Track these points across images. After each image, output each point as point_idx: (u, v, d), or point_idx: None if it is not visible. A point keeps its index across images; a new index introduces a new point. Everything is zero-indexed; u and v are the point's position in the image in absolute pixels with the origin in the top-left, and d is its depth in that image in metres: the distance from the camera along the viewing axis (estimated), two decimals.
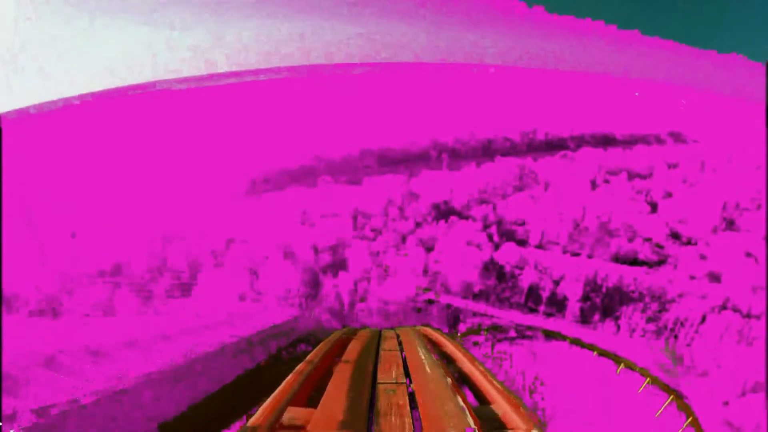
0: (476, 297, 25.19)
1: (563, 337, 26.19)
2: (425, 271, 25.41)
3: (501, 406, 3.56)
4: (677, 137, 45.92)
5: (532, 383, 26.14)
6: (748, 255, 33.11)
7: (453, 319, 25.02)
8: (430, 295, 24.95)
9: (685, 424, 24.30)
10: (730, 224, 39.34)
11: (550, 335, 26.12)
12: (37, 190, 32.41)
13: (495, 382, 4.00)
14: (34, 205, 30.88)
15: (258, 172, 28.92)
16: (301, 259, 25.51)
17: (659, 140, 41.43)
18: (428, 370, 5.04)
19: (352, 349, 5.32)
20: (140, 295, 28.66)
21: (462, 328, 24.75)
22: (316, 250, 25.53)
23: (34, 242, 29.61)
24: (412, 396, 4.70)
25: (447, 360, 5.20)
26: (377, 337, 6.31)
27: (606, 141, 37.32)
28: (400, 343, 5.95)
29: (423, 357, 5.50)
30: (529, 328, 25.71)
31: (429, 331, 7.00)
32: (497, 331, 25.07)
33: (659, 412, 25.20)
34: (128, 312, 27.94)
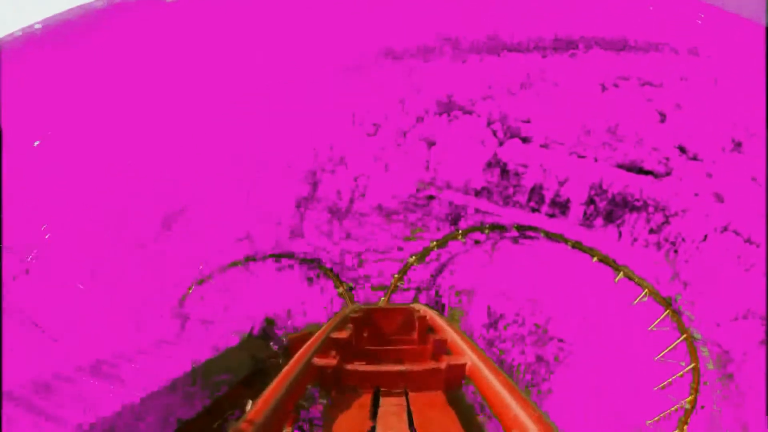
0: (478, 194, 24.51)
1: (564, 240, 25.79)
2: (426, 167, 24.56)
3: (511, 408, 2.59)
4: (692, 50, 43.56)
5: (532, 286, 26.05)
6: (753, 180, 32.35)
7: (454, 216, 24.53)
8: (432, 192, 24.32)
9: (678, 341, 24.45)
10: (738, 146, 38.18)
11: (551, 237, 25.72)
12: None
13: (503, 375, 2.91)
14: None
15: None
16: (299, 156, 24.59)
17: (673, 51, 39.40)
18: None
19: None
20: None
21: (463, 225, 24.35)
22: (313, 147, 24.55)
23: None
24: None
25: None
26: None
27: (618, 45, 35.34)
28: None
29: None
30: (531, 228, 25.23)
31: (429, 313, 5.64)
32: (499, 229, 24.60)
33: (653, 325, 25.31)
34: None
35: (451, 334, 4.20)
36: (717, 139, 36.12)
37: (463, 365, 3.29)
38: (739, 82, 45.99)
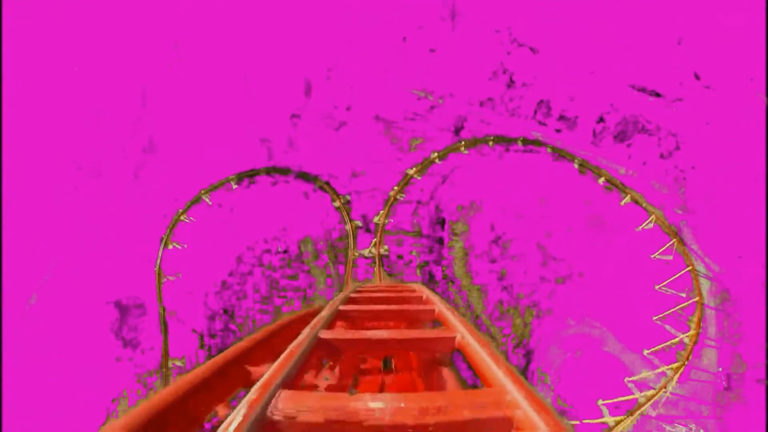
0: (482, 104, 23.17)
1: (570, 156, 24.71)
2: (428, 75, 23.10)
3: (512, 398, 2.28)
4: None
5: (536, 203, 25.18)
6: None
7: (456, 126, 23.25)
8: (433, 101, 22.96)
9: (681, 272, 23.66)
10: (751, 81, 36.65)
11: (558, 153, 24.63)
12: None
13: (492, 348, 2.93)
14: None
15: None
16: (291, 62, 23.04)
17: None
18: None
19: None
20: None
21: (465, 135, 23.14)
22: (307, 53, 22.93)
23: None
24: None
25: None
26: None
27: None
28: None
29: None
30: (537, 142, 24.09)
31: (425, 292, 5.78)
32: (504, 142, 23.47)
33: (657, 254, 24.50)
34: None
35: (441, 307, 4.44)
36: (733, 69, 34.56)
37: (453, 338, 3.44)
38: (759, 16, 43.79)
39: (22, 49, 28.08)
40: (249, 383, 3.09)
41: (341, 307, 4.49)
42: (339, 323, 4.34)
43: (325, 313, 4.05)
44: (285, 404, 2.18)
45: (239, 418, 1.97)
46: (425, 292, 5.71)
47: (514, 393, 2.24)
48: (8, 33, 27.39)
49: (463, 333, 3.37)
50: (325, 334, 3.36)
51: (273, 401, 2.19)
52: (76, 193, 27.31)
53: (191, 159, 25.62)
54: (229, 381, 3.11)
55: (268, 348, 3.97)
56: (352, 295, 5.68)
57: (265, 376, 2.41)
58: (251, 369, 3.42)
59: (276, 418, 2.12)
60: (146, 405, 2.25)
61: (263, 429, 2.07)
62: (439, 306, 4.56)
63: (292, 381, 2.53)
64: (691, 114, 30.15)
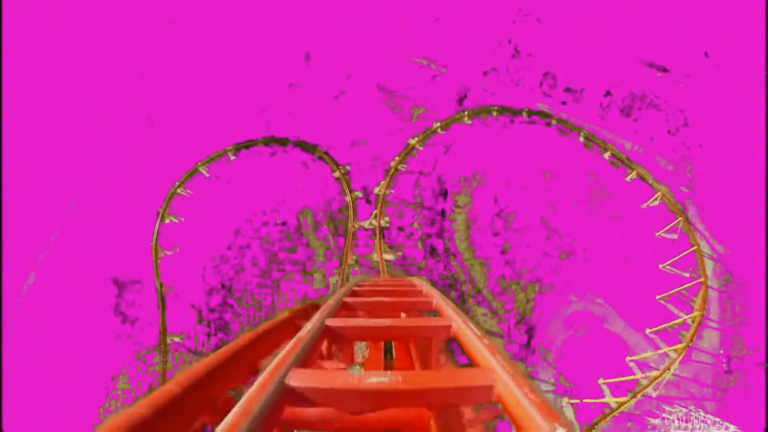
0: (486, 74, 22.61)
1: (576, 129, 24.17)
2: (431, 44, 22.49)
3: (511, 394, 2.20)
4: None
5: (540, 176, 24.71)
6: None
7: (460, 96, 22.69)
8: (437, 71, 22.36)
9: (686, 251, 23.22)
10: (763, 61, 36.08)
11: (563, 125, 24.10)
12: None
13: (485, 338, 3.01)
14: None
15: None
16: (291, 32, 22.45)
17: None
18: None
19: None
20: None
21: (469, 105, 22.61)
22: (305, 23, 22.31)
23: None
24: None
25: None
26: None
27: None
28: None
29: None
30: (542, 114, 23.54)
31: (425, 286, 6.23)
32: (508, 112, 22.94)
33: (661, 232, 24.02)
34: None
35: (438, 300, 4.74)
36: (742, 49, 33.91)
37: (449, 326, 3.77)
38: None
39: (20, 31, 27.64)
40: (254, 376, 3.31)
41: (345, 299, 4.90)
42: (343, 312, 4.75)
43: (330, 303, 4.45)
44: (297, 378, 2.43)
45: (254, 391, 2.15)
46: (425, 286, 6.09)
47: (499, 370, 2.46)
48: (7, 16, 26.93)
49: (458, 323, 3.68)
50: (331, 322, 3.69)
51: (286, 378, 2.40)
52: (72, 169, 26.96)
53: (189, 131, 25.18)
54: (231, 376, 3.24)
55: (267, 345, 4.13)
56: (355, 287, 6.08)
57: (278, 358, 2.66)
58: (255, 363, 3.67)
59: (290, 387, 2.36)
60: (145, 402, 2.33)
61: (277, 399, 2.27)
62: (437, 298, 4.91)
63: (302, 362, 2.80)
64: (699, 91, 29.59)
